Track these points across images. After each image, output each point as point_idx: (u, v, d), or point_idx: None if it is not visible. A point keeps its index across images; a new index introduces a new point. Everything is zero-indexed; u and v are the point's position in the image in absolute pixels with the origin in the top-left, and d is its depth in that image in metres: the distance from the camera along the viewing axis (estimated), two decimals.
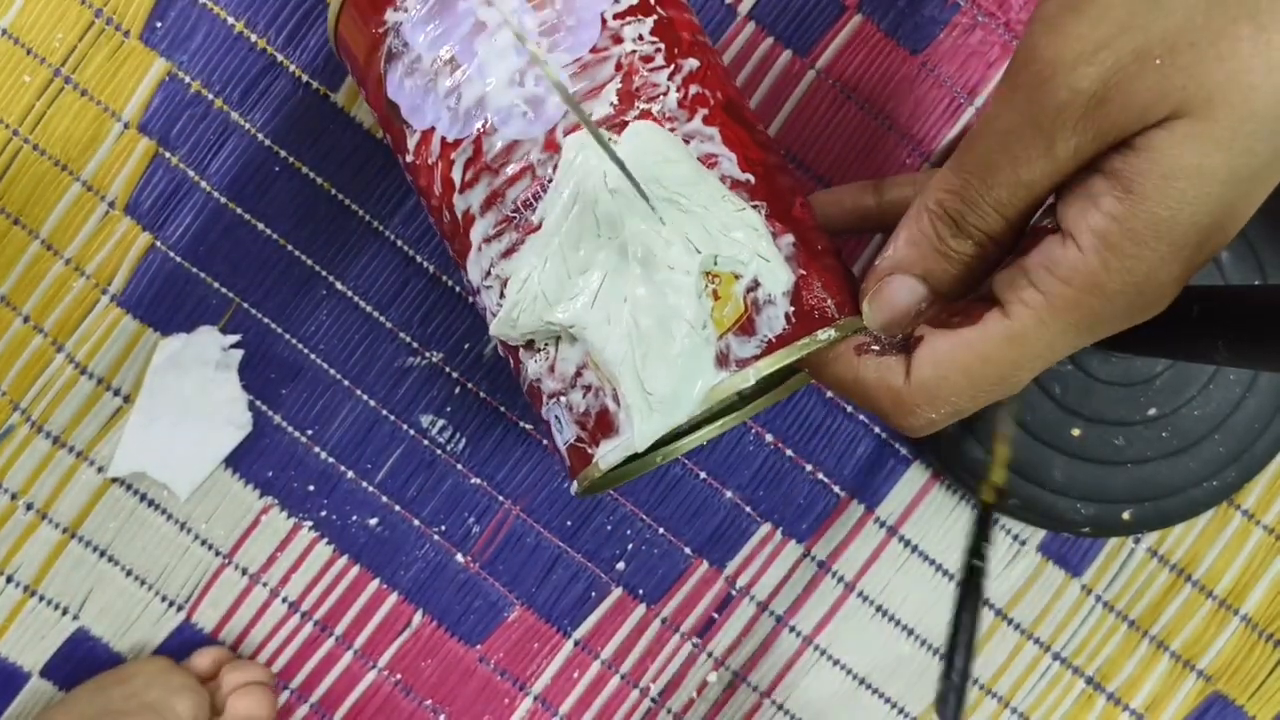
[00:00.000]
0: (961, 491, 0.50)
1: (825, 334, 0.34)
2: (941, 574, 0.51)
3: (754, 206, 0.34)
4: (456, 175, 0.36)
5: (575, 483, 0.36)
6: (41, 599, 0.50)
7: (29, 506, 0.50)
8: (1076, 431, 0.48)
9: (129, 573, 0.50)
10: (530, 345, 0.36)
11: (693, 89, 0.35)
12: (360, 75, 0.39)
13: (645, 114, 0.34)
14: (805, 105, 0.49)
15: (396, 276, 0.49)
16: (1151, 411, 0.48)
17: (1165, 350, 0.44)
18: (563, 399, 0.35)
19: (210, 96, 0.48)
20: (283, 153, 0.49)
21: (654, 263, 0.33)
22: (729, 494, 0.50)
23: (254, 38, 0.48)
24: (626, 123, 0.34)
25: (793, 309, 0.34)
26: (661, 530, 0.50)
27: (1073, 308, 0.31)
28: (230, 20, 0.48)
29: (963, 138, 0.36)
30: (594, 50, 0.35)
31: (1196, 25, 0.27)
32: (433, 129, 0.36)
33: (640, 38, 0.35)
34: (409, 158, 0.38)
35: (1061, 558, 0.51)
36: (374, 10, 0.37)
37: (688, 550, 0.51)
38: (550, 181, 0.34)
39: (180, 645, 0.51)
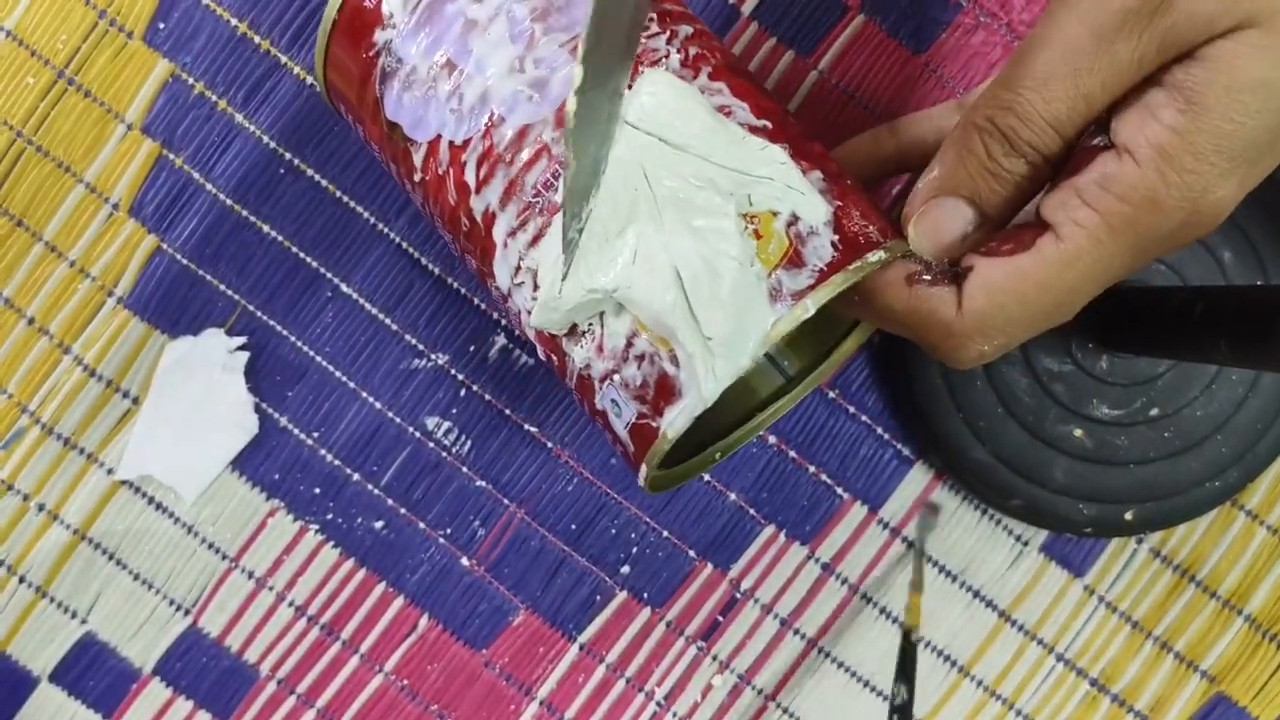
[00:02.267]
0: (964, 492, 0.50)
1: (875, 256, 0.33)
2: (946, 575, 0.51)
3: (772, 146, 0.34)
4: (470, 176, 0.36)
5: (643, 467, 0.35)
6: (52, 600, 0.50)
7: (41, 507, 0.50)
8: (1079, 432, 0.48)
9: (136, 576, 0.50)
10: (573, 331, 0.35)
11: (692, 50, 0.35)
12: (355, 109, 0.39)
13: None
14: (808, 106, 0.49)
15: (402, 278, 0.49)
16: (1154, 412, 0.48)
17: (1168, 350, 0.45)
18: (616, 377, 0.34)
19: (214, 98, 0.48)
20: (287, 154, 0.49)
21: (690, 210, 0.32)
22: (732, 496, 0.50)
23: (257, 39, 0.48)
24: (633, 85, 0.34)
25: (837, 237, 0.33)
26: (665, 533, 0.50)
27: (1129, 226, 0.30)
28: (234, 21, 0.48)
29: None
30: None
31: None
32: (439, 136, 0.36)
33: None
34: (417, 176, 0.38)
35: (1064, 558, 0.51)
36: (362, 34, 0.37)
37: (692, 553, 0.51)
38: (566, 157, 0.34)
39: (187, 650, 0.50)
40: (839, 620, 0.51)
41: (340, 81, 0.39)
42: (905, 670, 0.46)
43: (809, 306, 0.32)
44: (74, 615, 0.50)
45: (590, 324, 0.35)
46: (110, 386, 0.49)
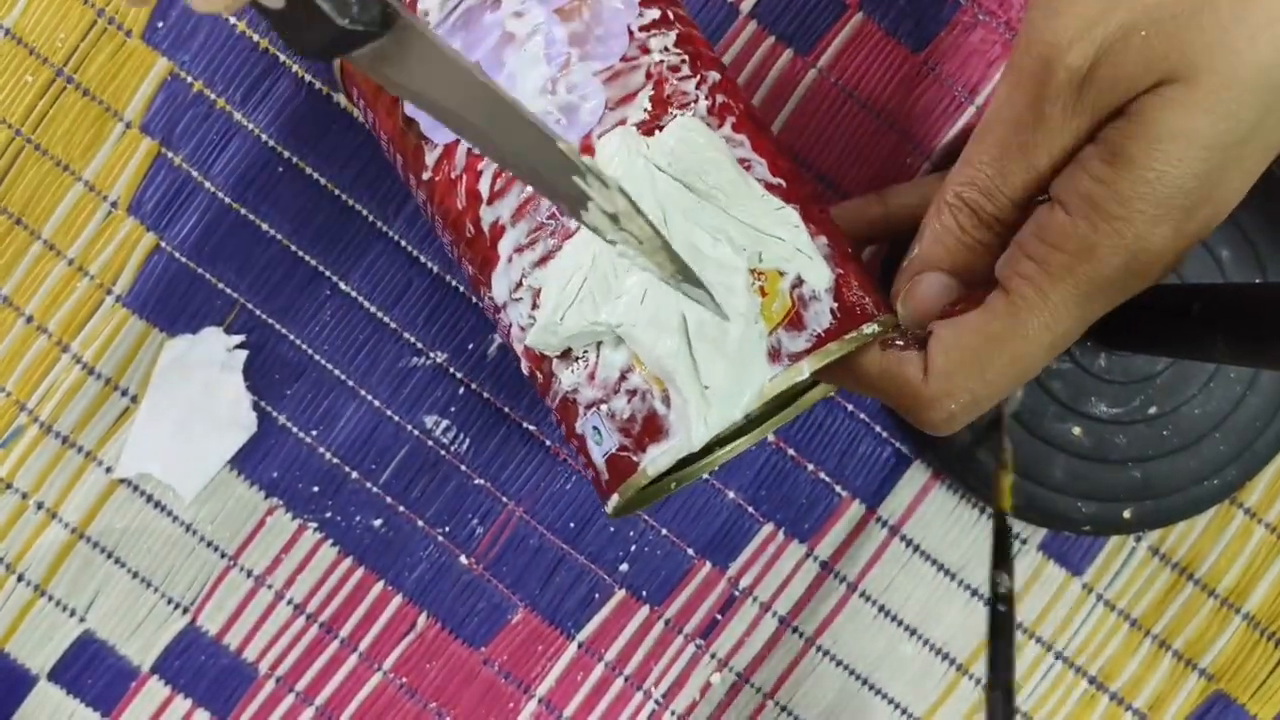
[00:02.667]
0: (962, 491, 0.50)
1: (870, 328, 0.34)
2: (944, 574, 0.51)
3: (787, 206, 0.35)
4: (484, 186, 0.36)
5: (615, 496, 0.36)
6: (50, 599, 0.50)
7: (39, 506, 0.50)
8: (1077, 430, 0.48)
9: (135, 574, 0.50)
10: (567, 355, 0.35)
11: (719, 98, 0.36)
12: (370, 98, 0.39)
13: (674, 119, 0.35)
14: (806, 104, 0.49)
15: (400, 276, 0.49)
16: (1152, 410, 0.48)
17: (1166, 348, 0.45)
18: (604, 407, 0.35)
19: (213, 96, 0.48)
20: (286, 153, 0.49)
21: (702, 259, 0.33)
22: (731, 495, 0.50)
23: (256, 38, 0.48)
24: (660, 126, 0.34)
25: (836, 305, 0.34)
26: (664, 531, 0.50)
27: (1068, 272, 0.31)
28: (232, 20, 0.48)
29: (961, 137, 0.37)
30: (624, 59, 0.35)
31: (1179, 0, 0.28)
32: (457, 141, 0.36)
33: (666, 49, 0.36)
34: (427, 174, 0.37)
35: (1062, 556, 0.51)
36: None
37: (690, 551, 0.51)
38: None
39: (186, 648, 0.50)
40: (838, 618, 0.51)
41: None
42: (1003, 556, 0.44)
43: (804, 370, 0.33)
44: (72, 613, 0.50)
45: (585, 351, 0.35)
46: (109, 385, 0.49)
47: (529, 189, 0.35)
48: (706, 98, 0.36)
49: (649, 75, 0.35)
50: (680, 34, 0.36)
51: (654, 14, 0.36)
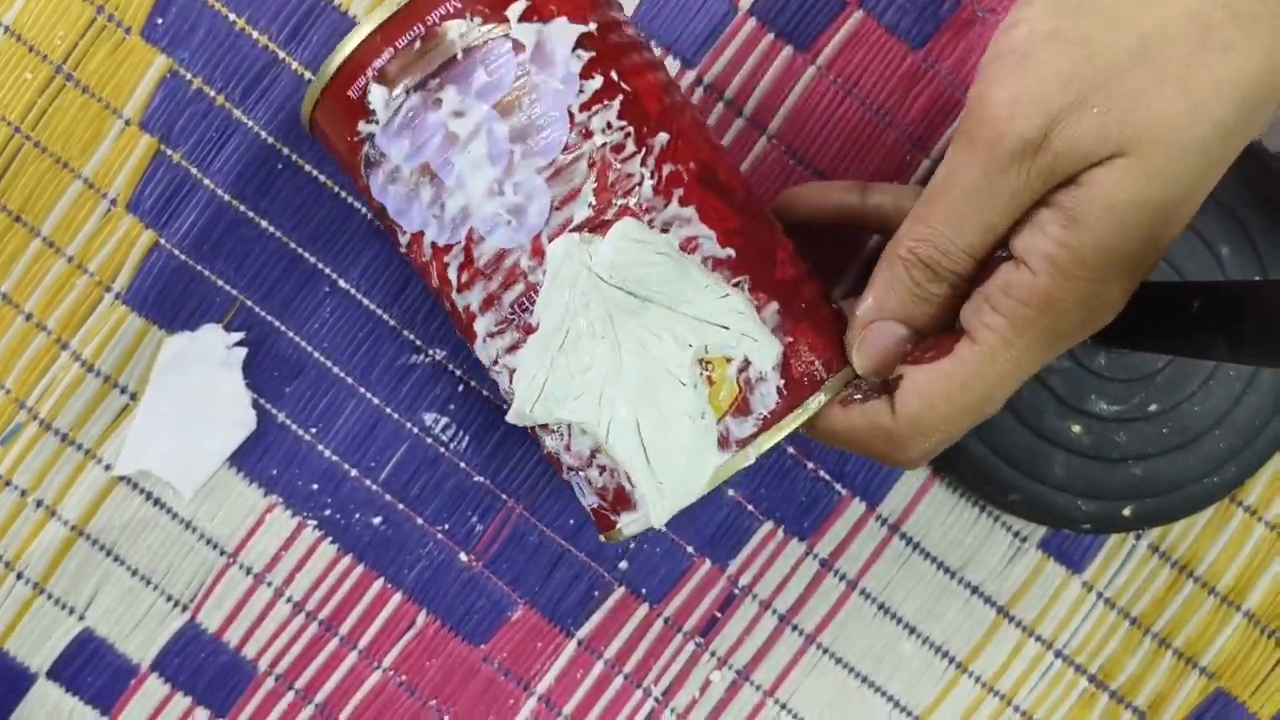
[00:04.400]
0: (961, 489, 0.50)
1: (815, 401, 0.37)
2: (943, 572, 0.51)
3: (736, 284, 0.36)
4: (452, 276, 0.37)
5: (603, 537, 0.39)
6: (49, 597, 0.50)
7: (39, 503, 0.50)
8: (1077, 428, 0.48)
9: (134, 572, 0.50)
10: (546, 426, 0.38)
11: (666, 169, 0.36)
12: (343, 168, 0.40)
13: (624, 210, 0.35)
14: (806, 101, 0.49)
15: (399, 273, 0.49)
16: (1152, 408, 0.48)
17: (1165, 346, 0.44)
18: (581, 474, 0.38)
19: (212, 93, 0.48)
20: (285, 150, 0.49)
21: (648, 359, 0.35)
22: (730, 492, 0.50)
23: (255, 34, 0.48)
24: (608, 221, 0.35)
25: (783, 381, 0.36)
26: (663, 529, 0.50)
27: (1031, 325, 0.34)
28: (231, 17, 0.48)
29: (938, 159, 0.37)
30: (565, 149, 0.35)
31: (1128, 77, 0.31)
32: (421, 233, 0.37)
33: (609, 126, 0.35)
34: (402, 250, 0.39)
35: (1062, 554, 0.51)
36: (347, 120, 0.37)
37: (690, 549, 0.51)
38: (541, 286, 0.35)
39: (185, 645, 0.50)
40: (837, 616, 0.51)
41: (328, 148, 0.40)
42: None
43: (750, 455, 0.36)
44: (71, 611, 0.50)
45: (560, 427, 0.37)
46: (108, 382, 0.49)
47: (493, 282, 0.36)
48: (652, 175, 0.36)
49: (591, 164, 0.35)
50: (624, 99, 0.36)
51: (596, 84, 0.35)
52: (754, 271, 0.37)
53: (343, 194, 0.49)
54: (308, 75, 0.48)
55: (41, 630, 0.50)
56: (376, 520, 0.50)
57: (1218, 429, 0.48)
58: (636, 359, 0.35)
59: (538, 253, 0.35)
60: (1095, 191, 0.32)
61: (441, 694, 0.51)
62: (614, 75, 0.36)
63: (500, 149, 0.35)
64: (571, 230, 0.35)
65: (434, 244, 0.37)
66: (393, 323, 0.49)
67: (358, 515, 0.50)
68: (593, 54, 0.36)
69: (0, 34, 0.48)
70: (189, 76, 0.48)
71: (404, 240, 0.38)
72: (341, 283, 0.49)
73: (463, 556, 0.50)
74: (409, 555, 0.50)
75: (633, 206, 0.35)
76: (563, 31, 0.35)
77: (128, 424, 0.49)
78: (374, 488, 0.50)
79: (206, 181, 0.49)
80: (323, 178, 0.49)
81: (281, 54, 0.48)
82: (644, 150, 0.36)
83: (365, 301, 0.49)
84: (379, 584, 0.50)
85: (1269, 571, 0.51)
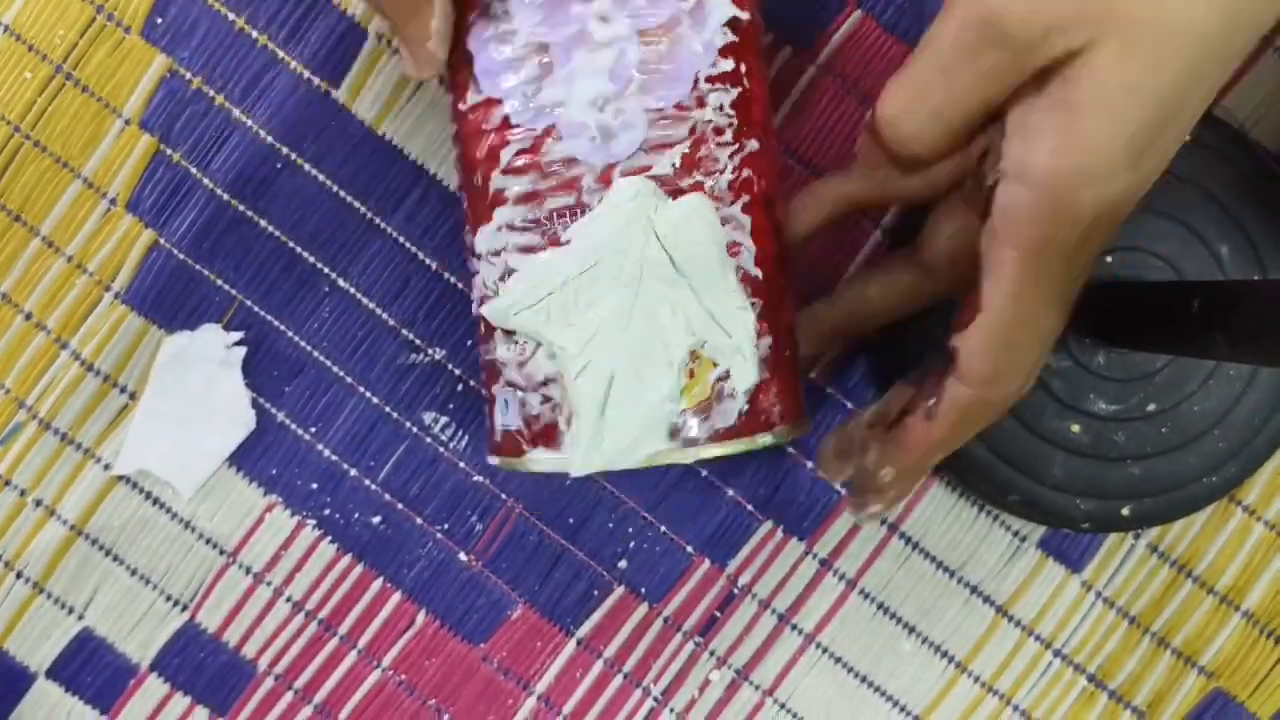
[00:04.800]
0: (961, 488, 0.50)
1: (764, 439, 0.37)
2: (943, 571, 0.51)
3: (752, 304, 0.37)
4: (505, 156, 0.36)
5: (496, 459, 0.39)
6: (48, 596, 0.50)
7: (38, 503, 0.50)
8: (1076, 428, 0.48)
9: (133, 571, 0.50)
10: (511, 334, 0.37)
11: (745, 172, 0.37)
12: None
13: (697, 186, 0.36)
14: (806, 101, 0.49)
15: (399, 273, 0.49)
16: (1151, 407, 0.48)
17: (1165, 345, 0.44)
18: (519, 393, 0.37)
19: (211, 93, 0.48)
20: (285, 149, 0.49)
21: (654, 326, 0.35)
22: (730, 492, 0.50)
23: (255, 34, 0.48)
24: (680, 189, 0.35)
25: (747, 407, 0.37)
26: (663, 529, 0.50)
27: (1045, 244, 0.33)
28: (231, 16, 0.48)
29: None
30: (678, 106, 0.35)
31: None
32: (500, 101, 0.36)
33: (721, 107, 0.36)
34: (463, 106, 0.37)
35: (1061, 554, 0.51)
36: None
37: (689, 549, 0.51)
38: (591, 210, 0.35)
39: (185, 645, 0.50)
40: (837, 616, 0.51)
41: None
42: None
43: (689, 457, 0.36)
44: (71, 611, 0.50)
45: (526, 341, 0.37)
46: (107, 381, 0.49)
47: (547, 182, 0.36)
48: (733, 171, 0.36)
49: (692, 131, 0.36)
50: (742, 94, 0.37)
51: (728, 66, 0.36)
52: (769, 302, 0.37)
53: (342, 193, 0.49)
54: (307, 75, 0.48)
55: (41, 630, 0.50)
56: (376, 519, 0.50)
57: (1217, 428, 0.48)
58: (644, 321, 0.35)
59: (606, 180, 0.35)
60: (1082, 81, 0.31)
61: (441, 693, 0.51)
62: (742, 68, 0.37)
63: (624, 72, 0.35)
64: (647, 178, 0.35)
65: (506, 117, 0.36)
66: (392, 322, 0.49)
67: (357, 515, 0.50)
68: (735, 40, 0.36)
69: (0, 33, 0.48)
70: (189, 76, 0.48)
71: (470, 99, 0.37)
72: (341, 282, 0.49)
73: (462, 556, 0.50)
74: (408, 555, 0.50)
75: (706, 187, 0.36)
76: (723, 4, 0.36)
77: (127, 423, 0.49)
78: (373, 487, 0.50)
79: (206, 181, 0.49)
80: (322, 177, 0.49)
81: (281, 54, 0.48)
82: (737, 145, 0.36)
83: (364, 301, 0.49)
84: (378, 583, 0.50)
85: (1268, 571, 0.51)
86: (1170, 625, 0.51)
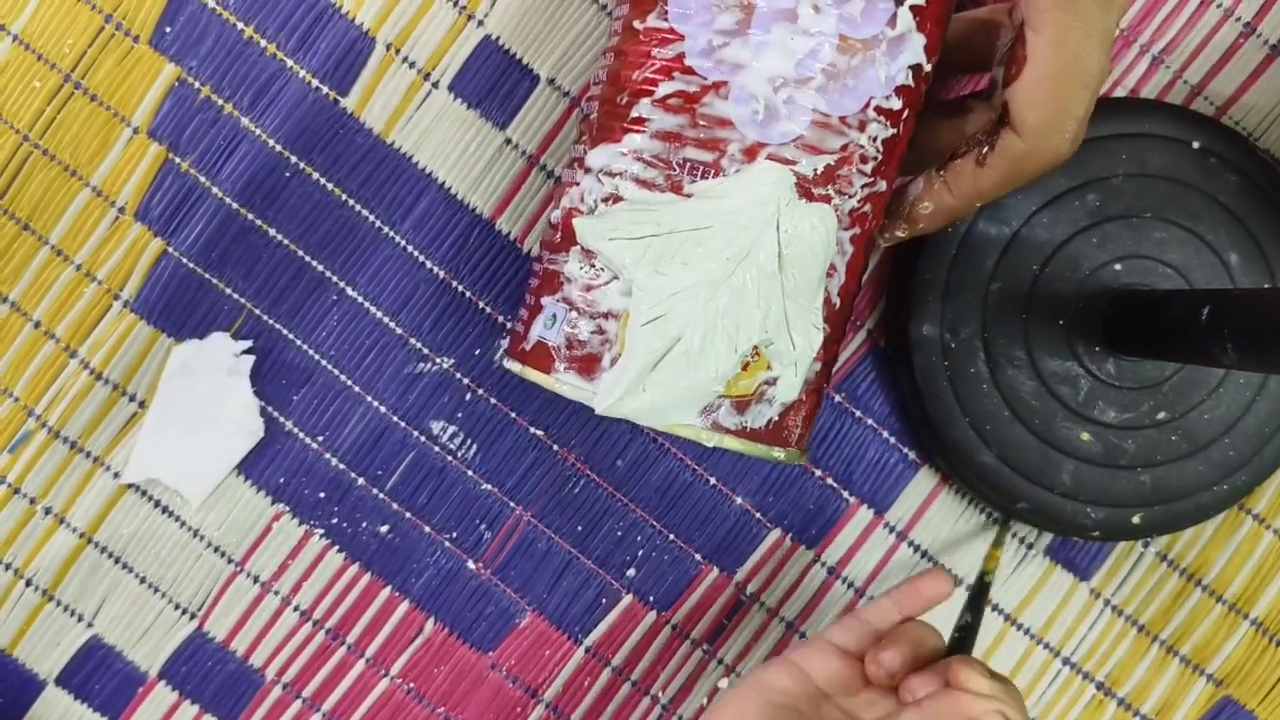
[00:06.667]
0: (969, 496, 0.50)
1: (777, 453, 0.38)
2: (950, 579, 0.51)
3: (823, 328, 0.38)
4: (665, 89, 0.36)
5: (513, 358, 0.39)
6: (58, 604, 0.50)
7: (47, 511, 0.50)
8: (1086, 436, 0.48)
9: (142, 579, 0.50)
10: (591, 254, 0.37)
11: (867, 207, 0.38)
12: None
13: (825, 198, 0.36)
14: None
15: (407, 281, 0.49)
16: (1161, 415, 0.48)
17: (1175, 353, 0.44)
18: (573, 314, 0.37)
19: (220, 102, 0.48)
20: (293, 158, 0.49)
21: (738, 308, 0.36)
22: (739, 500, 0.50)
23: (264, 43, 0.48)
24: (812, 195, 0.36)
25: (776, 419, 0.38)
26: (672, 537, 0.50)
27: None
28: (240, 25, 0.48)
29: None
30: (842, 119, 0.36)
31: None
32: (682, 38, 0.36)
33: (875, 139, 0.37)
34: (639, 25, 0.37)
35: (1070, 562, 0.51)
36: None
37: (698, 556, 0.51)
38: (726, 175, 0.36)
39: (193, 653, 0.50)
40: None
41: None
42: (975, 602, 0.46)
43: (709, 441, 0.37)
44: (80, 619, 0.50)
45: (604, 269, 0.37)
46: (116, 390, 0.49)
47: (695, 132, 0.36)
48: (859, 200, 0.37)
49: (844, 149, 0.36)
50: (895, 135, 0.38)
51: (896, 104, 0.37)
52: (834, 330, 0.39)
53: (351, 202, 0.49)
54: (316, 83, 0.48)
55: (50, 637, 0.50)
56: (384, 528, 0.50)
57: (1227, 437, 0.48)
58: (731, 300, 0.36)
59: (750, 155, 0.36)
60: None
61: (449, 701, 0.51)
62: (905, 113, 0.38)
63: (811, 64, 0.35)
64: (792, 171, 0.36)
65: (682, 54, 0.36)
66: (400, 330, 0.49)
67: (365, 523, 0.50)
68: (911, 85, 0.37)
69: (9, 42, 0.48)
70: (197, 85, 0.48)
71: (651, 21, 0.37)
72: (349, 291, 0.49)
73: (471, 564, 0.50)
74: (416, 563, 0.50)
75: (833, 204, 0.37)
76: (915, 47, 0.36)
77: (136, 432, 0.49)
78: (381, 496, 0.50)
79: (214, 190, 0.49)
80: (330, 185, 0.49)
81: (289, 62, 0.48)
82: (873, 179, 0.38)
83: (372, 309, 0.49)
84: (386, 592, 0.50)
85: (1277, 579, 0.51)
86: (1179, 633, 0.51)
